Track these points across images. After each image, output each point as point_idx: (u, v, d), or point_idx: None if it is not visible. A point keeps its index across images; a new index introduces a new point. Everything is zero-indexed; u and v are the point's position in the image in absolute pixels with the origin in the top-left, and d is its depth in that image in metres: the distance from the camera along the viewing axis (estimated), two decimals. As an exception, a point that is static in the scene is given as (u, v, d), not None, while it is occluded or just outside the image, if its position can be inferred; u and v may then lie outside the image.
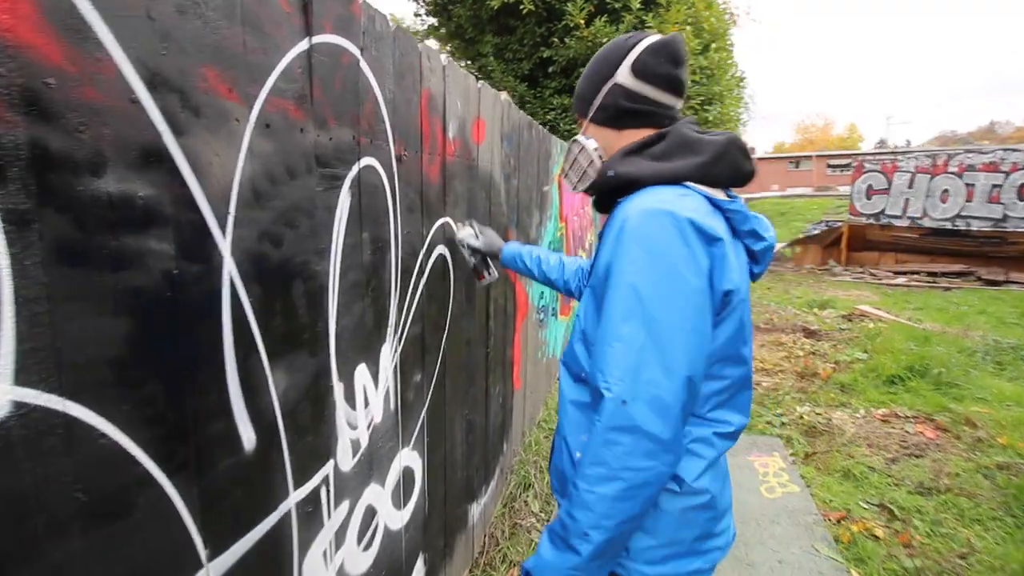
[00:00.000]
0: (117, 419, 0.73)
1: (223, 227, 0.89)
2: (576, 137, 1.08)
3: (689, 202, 0.86)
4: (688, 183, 0.89)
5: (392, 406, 1.54)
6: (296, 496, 1.12)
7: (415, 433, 1.71)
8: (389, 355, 1.50)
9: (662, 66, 0.94)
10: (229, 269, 0.91)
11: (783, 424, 4.07)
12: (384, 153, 1.39)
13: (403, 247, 1.54)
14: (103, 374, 0.71)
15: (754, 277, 1.00)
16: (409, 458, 1.67)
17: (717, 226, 0.86)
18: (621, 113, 0.99)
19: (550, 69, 10.56)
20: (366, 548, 1.44)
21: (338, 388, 1.25)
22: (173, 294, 0.80)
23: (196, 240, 0.84)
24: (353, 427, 1.33)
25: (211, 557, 0.90)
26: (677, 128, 0.95)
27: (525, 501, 2.92)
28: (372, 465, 1.44)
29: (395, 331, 1.53)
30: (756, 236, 0.95)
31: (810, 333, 6.29)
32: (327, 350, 1.20)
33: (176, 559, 0.84)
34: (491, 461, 2.65)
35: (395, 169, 1.46)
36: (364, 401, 1.38)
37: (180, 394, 0.83)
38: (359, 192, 1.29)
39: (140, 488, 0.77)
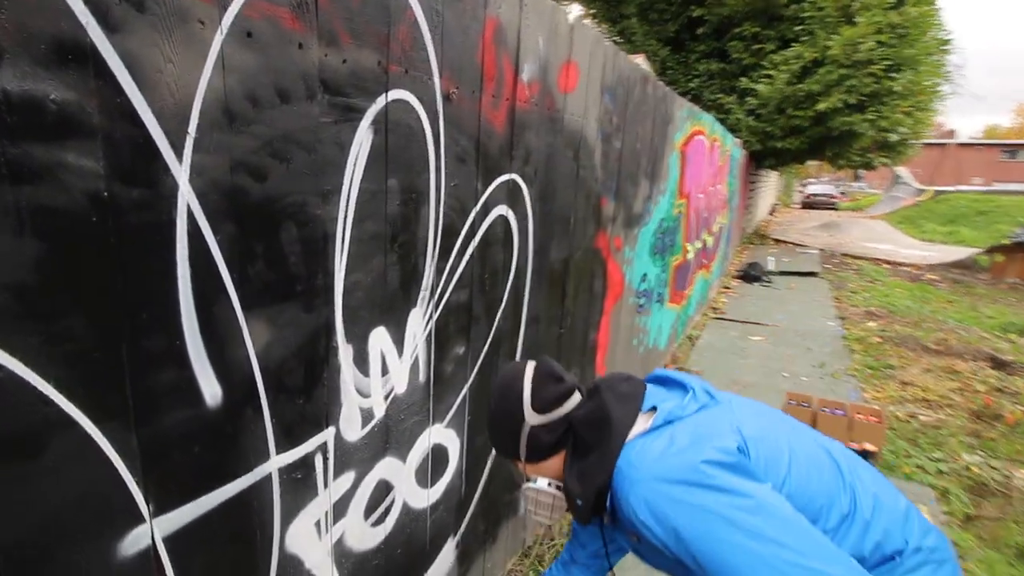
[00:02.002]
0: (22, 353, 0.65)
1: (178, 149, 0.77)
2: (525, 486, 1.09)
3: (642, 462, 0.89)
4: (626, 444, 0.92)
5: (422, 378, 1.39)
6: (280, 460, 1.02)
7: (453, 410, 1.55)
8: (420, 321, 1.34)
9: (554, 388, 1.01)
10: (187, 199, 0.79)
11: (940, 472, 3.23)
12: (425, 88, 1.20)
13: (447, 202, 1.35)
14: (2, 300, 0.63)
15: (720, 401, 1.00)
16: (442, 436, 1.52)
17: (679, 448, 0.88)
18: (549, 445, 1.01)
19: (699, 31, 9.52)
20: (376, 523, 1.33)
21: (345, 350, 1.12)
22: (102, 219, 0.70)
23: (138, 161, 0.73)
24: (364, 395, 1.21)
25: (157, 513, 0.83)
26: (573, 423, 1.00)
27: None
28: (389, 438, 1.31)
29: (431, 296, 1.36)
30: (694, 402, 0.97)
31: (999, 364, 4.96)
32: (331, 307, 1.07)
33: (108, 510, 0.77)
34: (557, 450, 2.43)
35: (441, 109, 1.26)
36: (382, 368, 1.24)
37: (112, 334, 0.73)
38: (385, 130, 1.12)
39: (54, 430, 0.69)
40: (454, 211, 1.38)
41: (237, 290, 0.88)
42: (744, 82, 8.85)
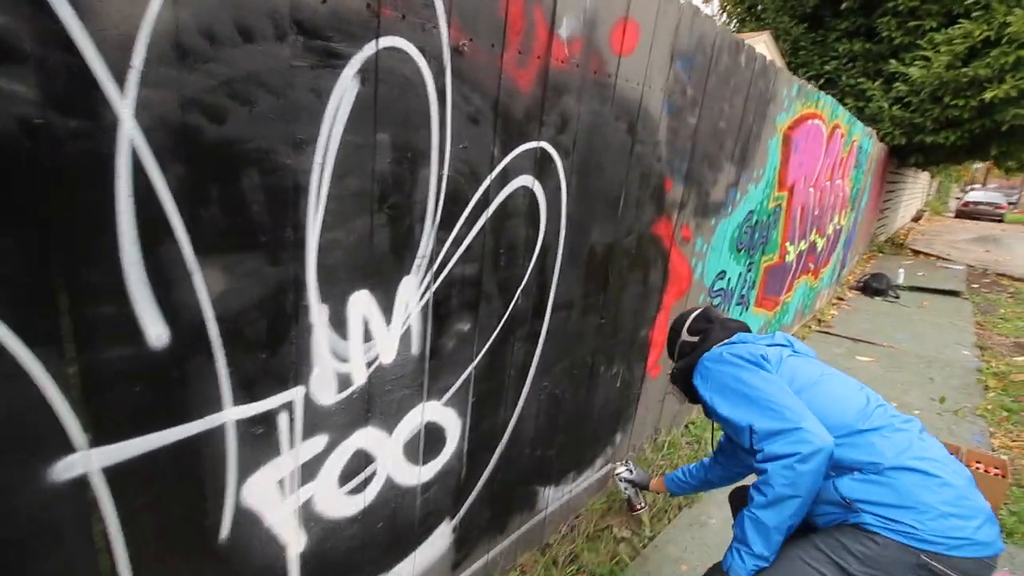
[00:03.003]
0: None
1: (120, 82, 0.75)
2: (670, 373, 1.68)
3: (711, 357, 1.48)
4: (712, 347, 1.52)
5: (415, 350, 1.33)
6: (236, 412, 1.01)
7: (453, 389, 1.48)
8: (415, 290, 1.27)
9: (703, 324, 1.63)
10: (130, 135, 0.77)
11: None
12: (428, 38, 1.10)
13: (454, 165, 1.25)
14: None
15: (799, 350, 1.51)
16: (437, 413, 1.45)
17: (728, 349, 1.46)
18: (687, 353, 1.61)
19: (843, 5, 8.34)
20: (353, 492, 1.30)
21: (318, 310, 1.08)
22: (35, 145, 0.70)
23: (74, 90, 0.71)
24: (342, 359, 1.17)
25: (94, 443, 0.84)
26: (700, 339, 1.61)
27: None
28: (371, 408, 1.27)
29: (429, 264, 1.28)
30: (765, 339, 1.52)
31: None
32: (301, 263, 1.03)
33: (38, 434, 0.79)
34: (589, 448, 2.28)
35: (448, 62, 1.16)
36: (364, 334, 1.19)
37: (45, 261, 0.74)
38: (376, 80, 1.04)
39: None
40: (462, 176, 1.28)
41: (188, 232, 0.86)
42: (893, 65, 7.62)
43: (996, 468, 2.85)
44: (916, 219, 17.25)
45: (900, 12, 7.61)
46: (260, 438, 1.07)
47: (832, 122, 4.16)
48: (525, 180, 1.45)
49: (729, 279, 3.17)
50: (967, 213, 21.00)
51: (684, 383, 1.56)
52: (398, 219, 1.17)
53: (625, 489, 2.04)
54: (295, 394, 1.10)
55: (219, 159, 0.87)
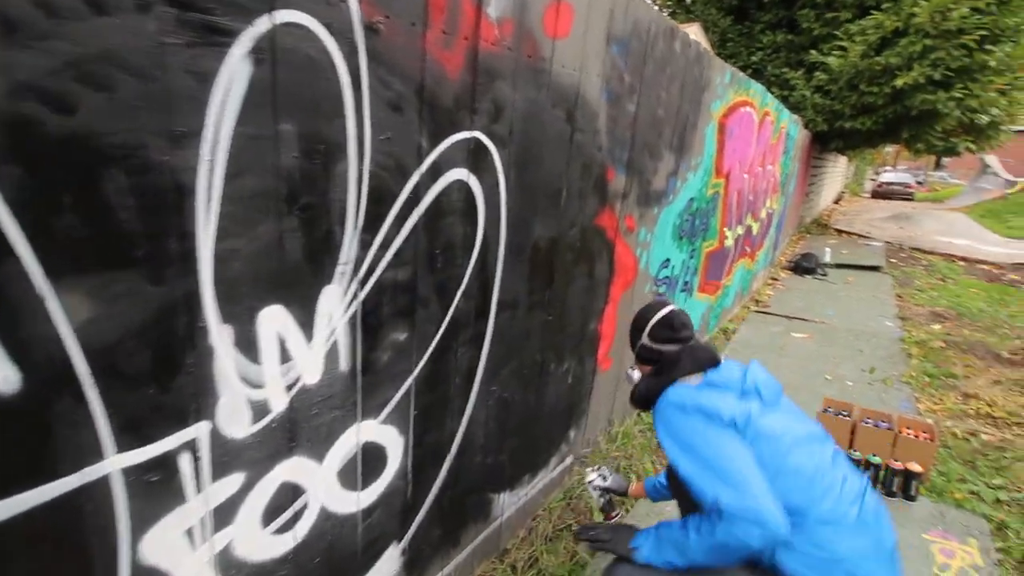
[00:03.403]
0: None
1: (-91, 59, 0.58)
2: (628, 369, 1.66)
3: (673, 393, 1.41)
4: (676, 382, 1.44)
5: (344, 367, 1.19)
6: (122, 460, 0.85)
7: (392, 405, 1.35)
8: (340, 301, 1.14)
9: (665, 332, 1.53)
10: (-68, 128, 0.60)
11: (998, 502, 2.79)
12: (335, 13, 0.97)
13: (376, 159, 1.12)
14: None
15: (767, 402, 1.37)
16: (375, 433, 1.33)
17: (694, 394, 1.37)
18: (647, 358, 1.57)
19: (766, -1, 8.68)
20: (281, 531, 1.16)
21: (220, 332, 0.93)
22: None
23: None
24: (254, 385, 1.02)
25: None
26: (663, 355, 1.52)
27: (588, 502, 2.43)
28: (297, 435, 1.13)
29: (354, 271, 1.15)
30: (736, 386, 1.38)
31: (1094, 380, 4.28)
32: (193, 278, 0.87)
33: None
34: (543, 449, 2.21)
35: (361, 41, 1.02)
36: (280, 355, 1.05)
37: None
38: (273, 62, 0.89)
39: None
40: (387, 171, 1.15)
41: (34, 249, 0.70)
42: (813, 55, 8.02)
43: (924, 432, 3.03)
44: (837, 201, 18.45)
45: (818, 4, 8.01)
46: (157, 485, 0.91)
47: (763, 109, 4.29)
48: (459, 174, 1.34)
49: (673, 267, 3.19)
50: (881, 193, 22.68)
51: (643, 407, 1.52)
52: (313, 222, 1.03)
53: (600, 497, 1.94)
54: (198, 431, 0.95)
55: (70, 158, 0.71)
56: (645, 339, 1.54)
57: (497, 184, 1.48)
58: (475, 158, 1.37)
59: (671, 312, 1.54)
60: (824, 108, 7.97)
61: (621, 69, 1.94)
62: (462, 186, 1.36)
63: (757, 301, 6.49)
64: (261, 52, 0.87)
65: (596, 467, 1.94)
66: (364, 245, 1.15)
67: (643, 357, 1.57)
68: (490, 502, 1.93)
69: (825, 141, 8.97)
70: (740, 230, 4.80)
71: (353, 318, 1.18)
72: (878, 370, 4.45)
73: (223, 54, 0.83)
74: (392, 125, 1.13)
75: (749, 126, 3.99)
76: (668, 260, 3.06)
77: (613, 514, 1.94)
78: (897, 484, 2.74)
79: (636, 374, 1.61)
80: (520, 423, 1.98)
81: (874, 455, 2.83)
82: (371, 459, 1.34)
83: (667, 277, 3.13)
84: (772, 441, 1.28)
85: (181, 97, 0.80)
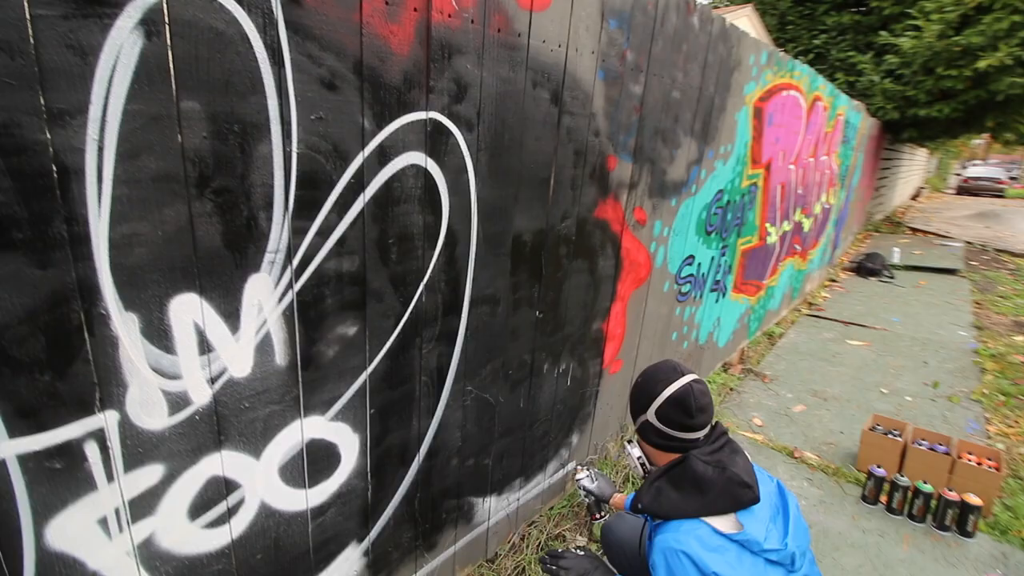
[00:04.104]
0: None
1: None
2: (626, 443, 1.43)
3: (696, 540, 1.06)
4: (701, 518, 1.09)
5: (281, 360, 1.14)
6: (17, 446, 0.83)
7: (343, 402, 1.29)
8: (270, 291, 1.08)
9: (678, 416, 1.16)
10: None
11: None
12: (245, -19, 0.90)
13: (307, 141, 1.05)
14: None
15: (796, 570, 1.12)
16: (323, 430, 1.27)
17: (718, 559, 1.04)
18: (650, 439, 1.23)
19: (833, -24, 8.02)
20: (214, 525, 1.12)
21: (123, 320, 0.89)
22: None
23: None
24: (170, 376, 0.98)
25: None
26: (690, 464, 1.14)
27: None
28: (225, 429, 1.08)
29: (286, 259, 1.09)
30: (773, 551, 1.08)
31: None
32: (88, 263, 0.84)
33: None
34: (537, 453, 2.10)
35: (280, 13, 0.95)
36: (200, 345, 1.00)
37: None
38: (167, 35, 0.84)
39: None
40: (322, 153, 1.08)
41: None
42: (883, 36, 7.34)
43: (989, 459, 2.66)
44: (915, 197, 16.93)
45: (891, -20, 7.33)
46: (61, 473, 0.89)
47: (812, 94, 3.93)
48: (414, 158, 1.25)
49: (699, 264, 2.97)
50: (967, 189, 20.62)
51: (641, 513, 1.21)
52: (230, 207, 0.98)
53: (585, 497, 1.85)
54: (105, 420, 0.91)
55: (-74, 133, 0.68)
56: (651, 418, 1.19)
57: (464, 170, 1.38)
58: (434, 141, 1.28)
59: (688, 389, 1.16)
60: (895, 94, 7.27)
61: (622, 46, 1.78)
62: (419, 171, 1.27)
63: (810, 304, 6.02)
64: (153, 25, 0.82)
65: (587, 467, 1.82)
66: (298, 232, 1.09)
67: (650, 440, 1.23)
68: (472, 506, 1.84)
69: (897, 131, 8.21)
70: (787, 226, 4.44)
71: (289, 309, 1.12)
72: (944, 385, 3.99)
73: (107, 27, 0.78)
74: (326, 104, 1.06)
75: (794, 112, 3.66)
76: (692, 257, 2.85)
77: (599, 515, 1.82)
78: (951, 517, 2.41)
79: (636, 452, 1.34)
80: (508, 426, 1.87)
81: (925, 482, 2.51)
82: (320, 457, 1.28)
83: (691, 276, 2.91)
84: None
85: (58, 73, 0.75)
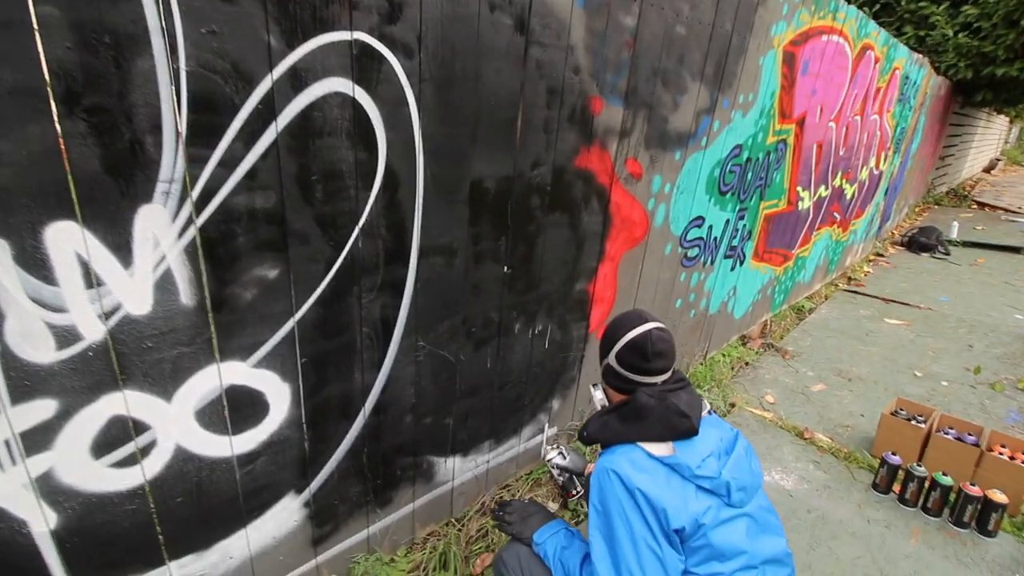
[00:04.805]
0: None
1: None
2: (591, 387, 1.43)
3: (627, 461, 1.12)
4: (637, 443, 1.15)
5: (187, 300, 1.07)
6: None
7: (266, 348, 1.23)
8: (167, 224, 1.00)
9: (635, 360, 1.21)
10: None
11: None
12: None
13: (199, 58, 0.95)
14: None
15: (735, 503, 1.15)
16: (245, 376, 1.21)
17: (645, 478, 1.10)
18: (610, 382, 1.30)
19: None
20: (122, 465, 1.09)
21: (-12, 245, 0.84)
22: None
23: None
24: (53, 308, 0.93)
25: None
26: (636, 396, 1.20)
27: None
28: (126, 368, 1.04)
29: (184, 191, 1.00)
30: (705, 478, 1.12)
31: None
32: (-66, 180, 0.77)
33: None
34: (510, 416, 2.01)
35: (151, -97, 0.84)
36: (87, 279, 0.95)
37: None
38: (6, -81, 0.74)
39: None
40: (219, 74, 0.98)
41: None
42: (963, -18, 6.51)
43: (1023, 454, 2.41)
44: (988, 169, 15.42)
45: (976, -84, 6.42)
46: (-69, 404, 0.86)
47: (861, 41, 3.50)
48: (337, 85, 1.13)
49: (710, 227, 2.75)
50: (1054, 161, 18.61)
51: (589, 443, 1.28)
52: (109, 128, 0.89)
53: (559, 475, 1.77)
54: (-22, 351, 0.87)
55: None
56: (612, 360, 1.24)
57: (403, 102, 1.25)
58: (362, 67, 1.15)
59: (647, 334, 1.20)
60: (971, 50, 6.48)
61: (607, -31, 1.57)
62: (345, 101, 1.15)
63: (850, 279, 5.62)
64: (-16, -95, 0.72)
65: (556, 445, 1.73)
66: (196, 161, 1.00)
67: (609, 382, 1.29)
68: (432, 465, 1.79)
69: (969, 92, 7.37)
70: (824, 191, 4.08)
71: (192, 246, 1.04)
72: (988, 371, 3.64)
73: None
74: (219, 16, 0.95)
75: (837, 60, 3.27)
76: (702, 219, 2.63)
77: (573, 492, 1.74)
78: (970, 514, 2.19)
79: (599, 395, 1.38)
80: (472, 386, 1.79)
81: (944, 474, 2.29)
82: (243, 404, 1.23)
83: (700, 239, 2.70)
84: (716, 557, 1.11)
85: None
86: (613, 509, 1.10)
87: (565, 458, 1.67)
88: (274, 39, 1.02)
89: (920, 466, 2.34)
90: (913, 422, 2.62)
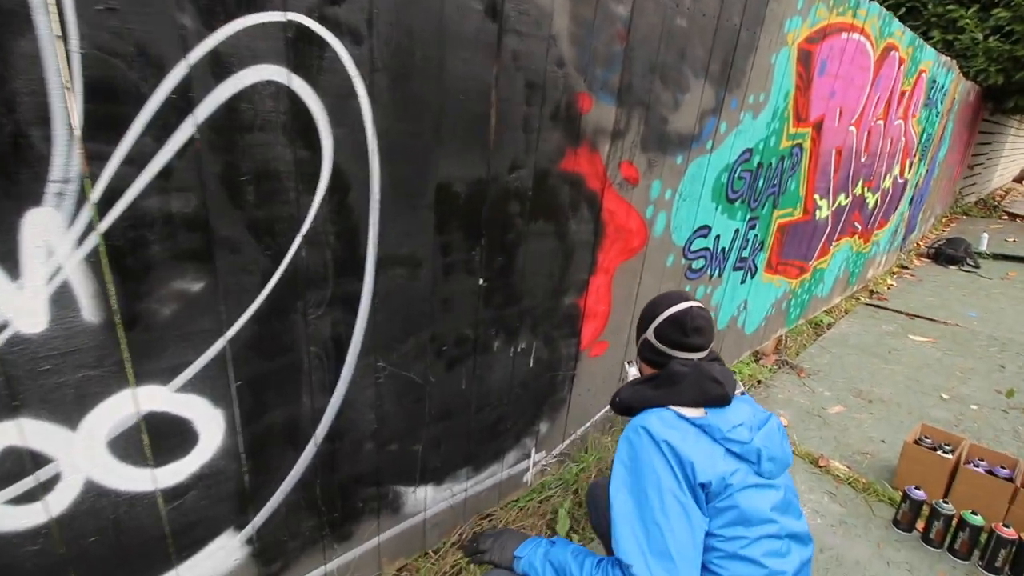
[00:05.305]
0: None
1: None
2: (624, 363, 1.57)
3: (657, 418, 1.13)
4: (668, 406, 1.16)
5: (91, 316, 0.94)
6: None
7: (193, 371, 1.09)
8: (62, 231, 0.87)
9: (674, 333, 1.25)
10: None
11: None
12: None
13: (95, 39, 0.82)
14: None
15: (764, 473, 1.14)
16: (167, 403, 1.07)
17: (674, 433, 1.10)
18: (646, 356, 1.33)
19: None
20: (20, 502, 0.96)
21: None
22: None
23: None
24: (-83, 327, 0.80)
25: None
26: (670, 365, 1.23)
27: (556, 511, 2.04)
28: (19, 393, 0.90)
29: (81, 191, 0.87)
30: (735, 442, 1.11)
31: None
32: None
33: None
34: (490, 441, 1.85)
35: None
36: (-40, 291, 0.82)
37: None
38: None
39: None
40: (120, 58, 0.84)
41: None
42: (994, -17, 6.22)
43: (1060, 490, 2.16)
44: (1020, 179, 14.84)
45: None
46: None
47: (884, 40, 3.29)
48: (269, 73, 0.99)
49: (717, 237, 2.56)
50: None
51: (622, 413, 1.29)
52: (-24, 117, 0.76)
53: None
54: None
55: None
56: (650, 335, 1.29)
57: (352, 94, 1.11)
58: (300, 53, 1.01)
59: (688, 311, 1.25)
60: (1002, 55, 6.18)
61: (595, -48, 1.42)
62: (280, 91, 1.01)
63: (872, 292, 5.35)
64: None
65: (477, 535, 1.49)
66: (96, 158, 0.87)
67: (645, 356, 1.33)
68: (400, 496, 1.63)
69: (1000, 98, 7.03)
70: (844, 200, 3.85)
71: (94, 255, 0.91)
72: (1020, 393, 3.37)
73: None
74: (120, -7, 0.82)
75: (858, 60, 3.07)
76: (707, 227, 2.45)
77: None
78: (1004, 558, 1.97)
79: (633, 371, 1.39)
80: (445, 409, 1.63)
81: (974, 512, 2.06)
82: (166, 433, 1.09)
83: (706, 249, 2.51)
84: (742, 521, 1.09)
85: None
86: (642, 461, 1.09)
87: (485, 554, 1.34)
88: (188, 19, 0.88)
89: (946, 502, 2.11)
90: (939, 452, 2.39)
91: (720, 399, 1.15)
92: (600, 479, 1.57)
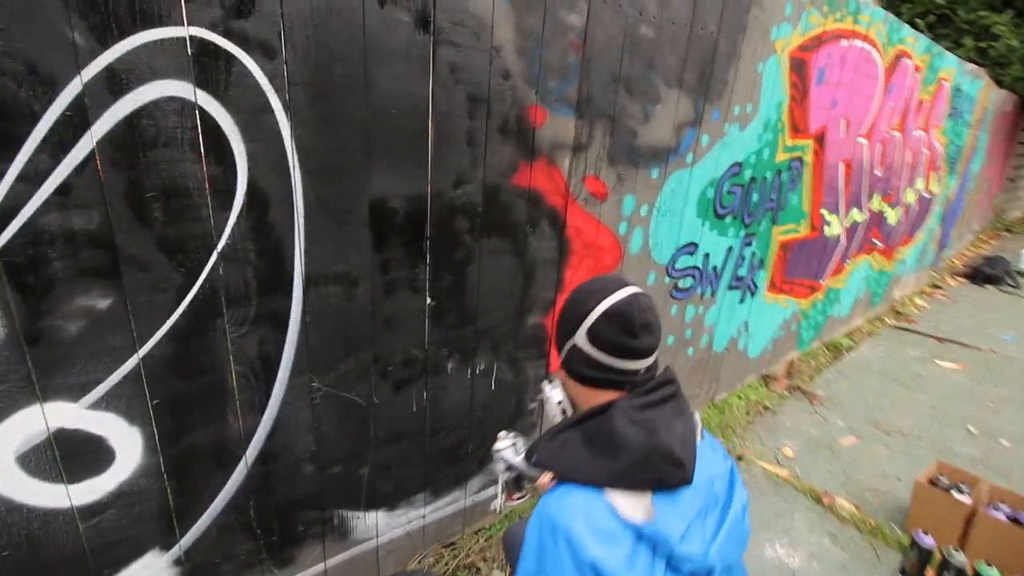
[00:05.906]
0: None
1: None
2: (543, 384, 1.09)
3: (584, 518, 0.79)
4: (605, 488, 0.81)
5: (-10, 332, 0.94)
6: None
7: (104, 388, 1.07)
8: (-45, 247, 0.88)
9: (615, 334, 0.88)
10: None
11: None
12: None
13: (-19, 57, 0.83)
14: None
15: None
16: (79, 420, 1.06)
17: (604, 550, 0.76)
18: (581, 374, 0.93)
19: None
20: (-84, 522, 0.96)
21: None
22: None
23: None
24: None
25: None
26: (610, 414, 0.86)
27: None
28: (-89, 410, 0.91)
29: (-24, 209, 0.88)
30: (684, 559, 0.80)
31: None
32: None
33: None
34: (448, 466, 1.78)
35: None
36: None
37: None
38: None
39: None
40: (8, 75, 0.85)
41: None
42: (1031, -13, 5.92)
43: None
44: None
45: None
46: None
47: (893, 47, 3.14)
48: (172, 88, 0.99)
49: (707, 255, 2.45)
50: None
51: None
52: None
53: (506, 471, 1.42)
54: None
55: None
56: (581, 339, 0.90)
57: (267, 109, 1.10)
58: (205, 69, 1.01)
59: (633, 299, 0.88)
60: (1042, 60, 5.84)
61: (539, -37, 1.39)
62: (185, 108, 1.01)
63: (899, 313, 5.05)
64: None
65: (513, 435, 1.37)
66: (-9, 174, 0.87)
67: (574, 371, 0.93)
68: (346, 520, 1.58)
69: (1042, 107, 6.64)
70: (858, 215, 3.66)
71: (-11, 271, 0.91)
72: (1059, 426, 3.07)
73: None
74: (3, 11, 0.82)
75: (864, 69, 2.93)
76: (694, 244, 2.34)
77: (516, 495, 1.39)
78: (1022, 616, 1.76)
79: (556, 395, 1.03)
80: (394, 432, 1.58)
81: (990, 564, 1.86)
82: (79, 450, 1.08)
83: (694, 268, 2.40)
84: None
85: None
86: (531, 549, 0.81)
87: (518, 454, 1.33)
88: (80, 36, 0.89)
89: (959, 551, 1.91)
90: (955, 493, 2.18)
91: (679, 484, 0.83)
92: (516, 525, 1.39)
